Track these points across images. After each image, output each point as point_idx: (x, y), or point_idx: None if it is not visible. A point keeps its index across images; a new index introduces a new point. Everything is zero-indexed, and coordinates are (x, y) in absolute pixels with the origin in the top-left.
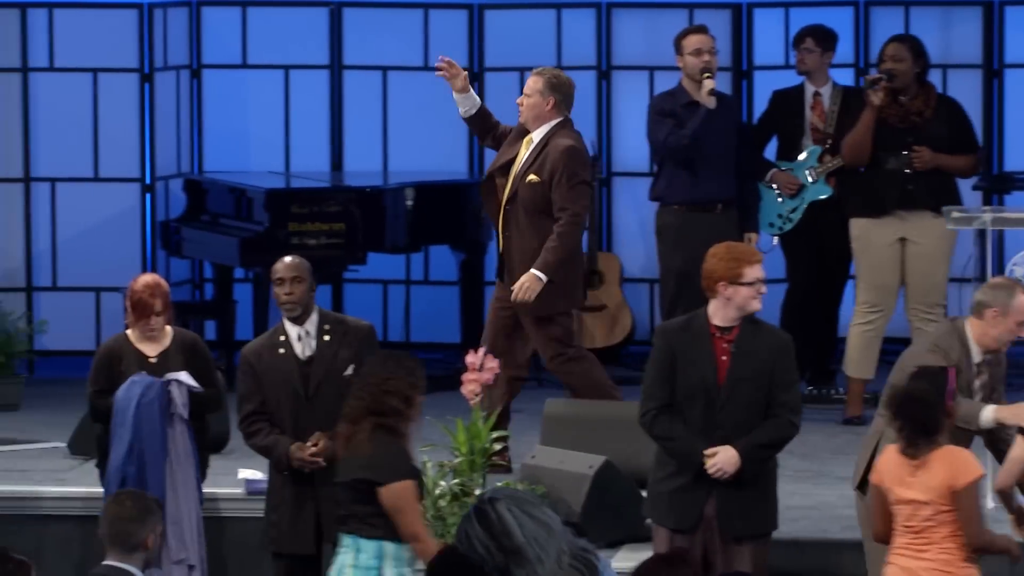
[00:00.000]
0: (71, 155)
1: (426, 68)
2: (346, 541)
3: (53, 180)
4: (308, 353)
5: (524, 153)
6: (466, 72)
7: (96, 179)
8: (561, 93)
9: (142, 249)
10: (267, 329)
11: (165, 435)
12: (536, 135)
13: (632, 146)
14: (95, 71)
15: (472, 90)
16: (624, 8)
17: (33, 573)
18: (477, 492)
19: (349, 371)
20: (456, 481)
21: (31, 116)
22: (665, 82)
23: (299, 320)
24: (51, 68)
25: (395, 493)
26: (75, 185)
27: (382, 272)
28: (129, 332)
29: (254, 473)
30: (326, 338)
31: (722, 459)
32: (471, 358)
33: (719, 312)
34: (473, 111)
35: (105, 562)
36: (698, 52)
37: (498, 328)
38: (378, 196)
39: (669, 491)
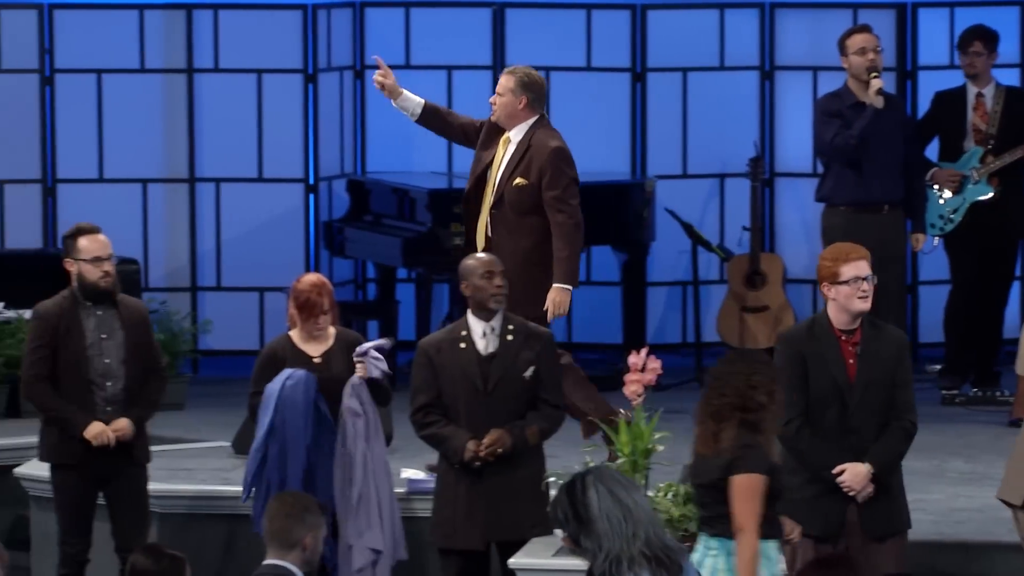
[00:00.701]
0: (235, 156)
1: (588, 69)
2: (711, 543)
3: (218, 180)
4: (490, 350)
5: (503, 153)
6: (394, 83)
7: (260, 179)
8: (533, 92)
9: (305, 249)
10: (429, 329)
11: (309, 418)
12: (514, 135)
13: (795, 146)
14: (259, 72)
15: (406, 91)
16: (788, 8)
17: (188, 568)
18: None
19: (528, 373)
20: None
21: (196, 117)
22: (829, 82)
23: (489, 316)
24: (216, 69)
25: (743, 483)
26: (239, 185)
27: None
28: (292, 333)
29: (416, 472)
30: (509, 337)
31: (850, 478)
32: (633, 359)
33: (835, 315)
34: (419, 111)
35: (266, 561)
36: (863, 51)
37: None
38: None
39: (808, 498)
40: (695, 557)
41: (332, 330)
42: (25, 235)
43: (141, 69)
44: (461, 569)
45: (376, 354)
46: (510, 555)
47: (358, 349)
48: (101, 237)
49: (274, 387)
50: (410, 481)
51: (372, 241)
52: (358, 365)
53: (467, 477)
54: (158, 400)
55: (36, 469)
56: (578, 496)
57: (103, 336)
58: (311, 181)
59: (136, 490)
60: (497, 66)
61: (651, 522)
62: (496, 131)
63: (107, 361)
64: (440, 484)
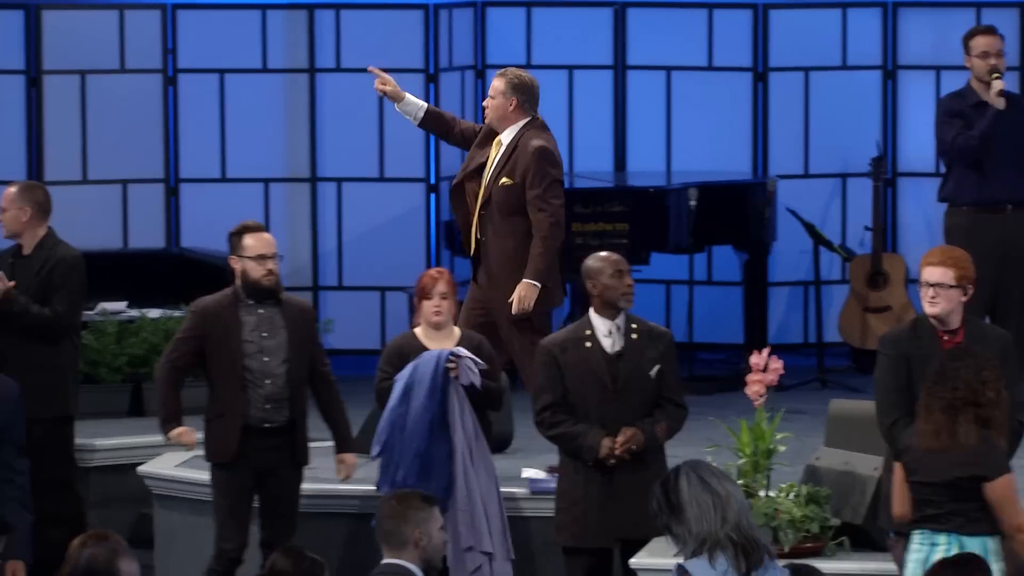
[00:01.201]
0: (357, 155)
1: (710, 68)
2: (939, 539)
3: (339, 180)
4: (616, 348)
5: (495, 155)
6: (396, 87)
7: (381, 179)
8: (524, 93)
9: (426, 248)
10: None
11: (437, 391)
12: (505, 137)
13: (918, 146)
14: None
15: (409, 95)
16: (910, 7)
17: (326, 572)
18: (761, 493)
19: (653, 372)
20: (740, 482)
21: (318, 116)
22: (952, 81)
23: (615, 315)
24: (338, 69)
25: (1002, 487)
26: (361, 185)
27: (665, 272)
28: (417, 330)
29: (537, 472)
30: (634, 336)
31: None
32: (755, 359)
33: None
34: (422, 114)
35: (384, 560)
36: (984, 55)
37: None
38: (661, 196)
39: None
40: (912, 555)
41: (456, 330)
42: (148, 235)
43: (263, 69)
44: (588, 568)
45: (470, 363)
46: (632, 554)
47: (453, 350)
48: (266, 235)
49: (405, 369)
50: (531, 481)
51: None
52: (449, 365)
53: (596, 476)
54: (341, 405)
55: (159, 467)
56: (670, 484)
57: (264, 335)
58: (432, 180)
59: (290, 491)
60: (618, 66)
61: (742, 511)
62: (493, 133)
63: (266, 359)
64: (566, 483)
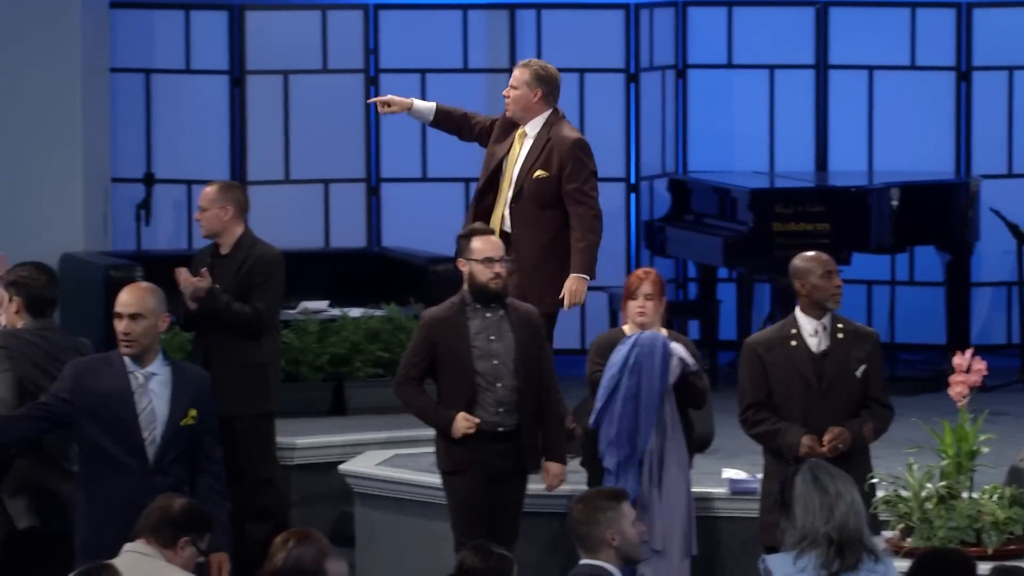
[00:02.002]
0: None
1: (912, 68)
2: None
3: None
4: (822, 348)
5: (520, 148)
6: (400, 98)
7: None
8: (548, 85)
9: (626, 248)
10: (750, 329)
11: (664, 381)
12: (530, 128)
13: None
14: (581, 71)
15: (416, 100)
16: None
17: (515, 567)
18: (964, 495)
19: (859, 372)
20: (943, 484)
21: None
22: None
23: (821, 315)
24: None
25: None
26: None
27: (867, 273)
28: (625, 327)
29: (738, 473)
30: (840, 336)
31: None
32: (958, 359)
33: None
34: (431, 115)
35: (582, 561)
36: None
37: None
38: (863, 196)
39: None
40: None
41: (663, 331)
42: (349, 234)
43: (464, 69)
44: None
45: (685, 354)
46: None
47: (667, 339)
48: (494, 239)
49: (619, 352)
50: (732, 481)
51: (693, 240)
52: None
53: None
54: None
55: (360, 466)
56: (786, 483)
57: (491, 338)
58: (632, 180)
59: (517, 499)
60: (820, 65)
61: (851, 512)
62: (510, 126)
63: (495, 363)
64: (771, 483)
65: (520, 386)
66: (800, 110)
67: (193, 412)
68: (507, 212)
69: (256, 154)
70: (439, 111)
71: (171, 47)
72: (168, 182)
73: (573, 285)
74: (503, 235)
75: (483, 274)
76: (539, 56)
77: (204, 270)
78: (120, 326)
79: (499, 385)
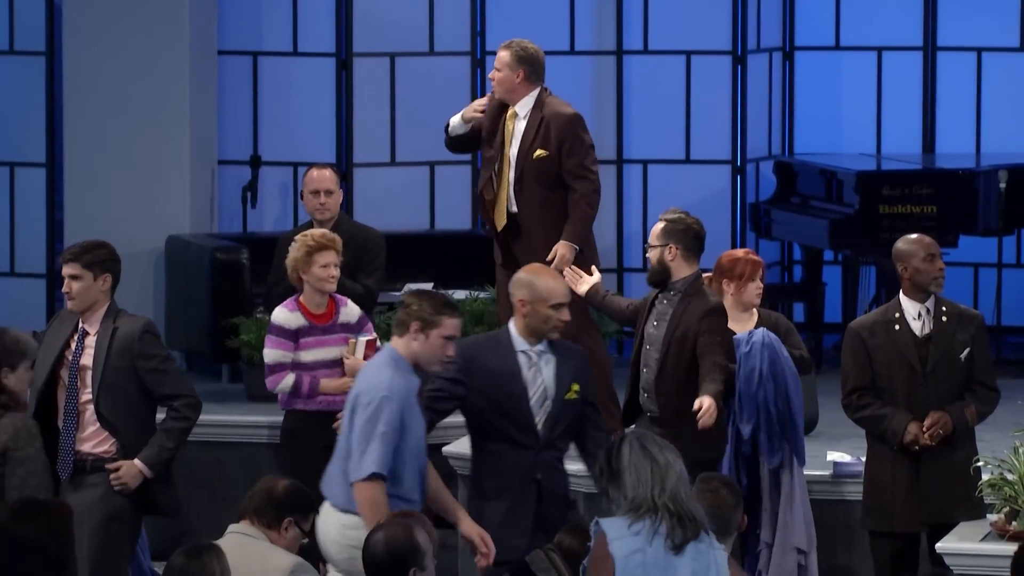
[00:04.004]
0: (663, 137)
1: (1021, 49)
2: None
3: (645, 162)
4: (926, 331)
5: (512, 128)
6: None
7: (687, 161)
8: (529, 64)
9: (732, 231)
10: (855, 312)
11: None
12: (520, 108)
13: None
14: (688, 53)
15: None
16: None
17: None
18: None
19: (964, 355)
20: None
21: (625, 98)
22: None
23: (925, 298)
24: (645, 51)
25: None
26: (667, 167)
27: (973, 255)
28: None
29: (842, 456)
30: (944, 319)
31: None
32: None
33: None
34: (465, 131)
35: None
36: None
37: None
38: (970, 179)
39: None
40: None
41: (755, 311)
42: (455, 216)
43: (571, 51)
44: (896, 551)
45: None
46: (939, 539)
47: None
48: (658, 226)
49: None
50: (836, 464)
51: (799, 223)
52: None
53: (905, 459)
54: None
55: (464, 448)
56: (613, 451)
57: (654, 323)
58: (738, 163)
59: None
60: (928, 47)
61: (680, 483)
62: (499, 110)
63: (647, 348)
64: (875, 467)
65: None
66: (908, 92)
67: (575, 386)
68: (511, 194)
69: (362, 136)
70: (472, 128)
71: (278, 29)
72: (274, 164)
73: (562, 250)
74: (510, 217)
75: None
76: (645, 39)
77: None
78: (563, 315)
79: (644, 370)
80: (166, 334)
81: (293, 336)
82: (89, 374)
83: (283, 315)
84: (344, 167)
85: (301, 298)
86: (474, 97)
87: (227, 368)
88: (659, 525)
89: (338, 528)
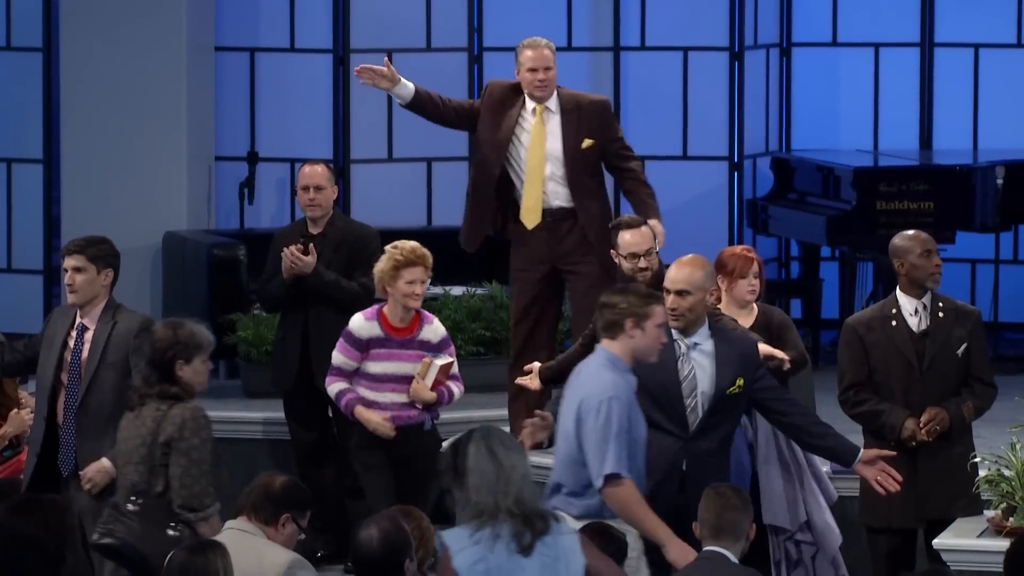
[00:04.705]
0: (660, 133)
1: (1019, 45)
2: None
3: (642, 158)
4: (923, 327)
5: (546, 123)
6: (382, 67)
7: (684, 157)
8: None
9: (729, 227)
10: (853, 308)
11: None
12: (551, 104)
13: None
14: (685, 50)
15: (400, 79)
16: None
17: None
18: None
19: (961, 350)
20: None
21: (622, 95)
22: None
23: (922, 294)
24: (642, 47)
25: None
26: (664, 163)
27: (970, 251)
28: (720, 306)
29: None
30: (940, 315)
31: None
32: None
33: None
34: (410, 97)
35: (709, 548)
36: None
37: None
38: (968, 175)
39: None
40: None
41: (755, 307)
42: (452, 212)
43: (568, 47)
44: (892, 548)
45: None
46: (936, 534)
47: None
48: (644, 230)
49: None
50: None
51: (796, 219)
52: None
53: (902, 456)
54: None
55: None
56: (459, 450)
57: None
58: (735, 159)
59: None
60: (925, 43)
61: (524, 484)
62: (507, 107)
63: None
64: None
65: None
66: (905, 88)
67: (740, 381)
68: (550, 189)
69: (359, 132)
70: (418, 93)
71: (276, 26)
72: (271, 160)
73: (660, 227)
74: (549, 212)
75: (628, 268)
76: (643, 35)
77: (312, 246)
78: (668, 301)
79: None
80: None
81: (363, 345)
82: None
83: (358, 323)
84: (341, 163)
85: (384, 308)
86: (472, 94)
87: (224, 364)
88: (501, 530)
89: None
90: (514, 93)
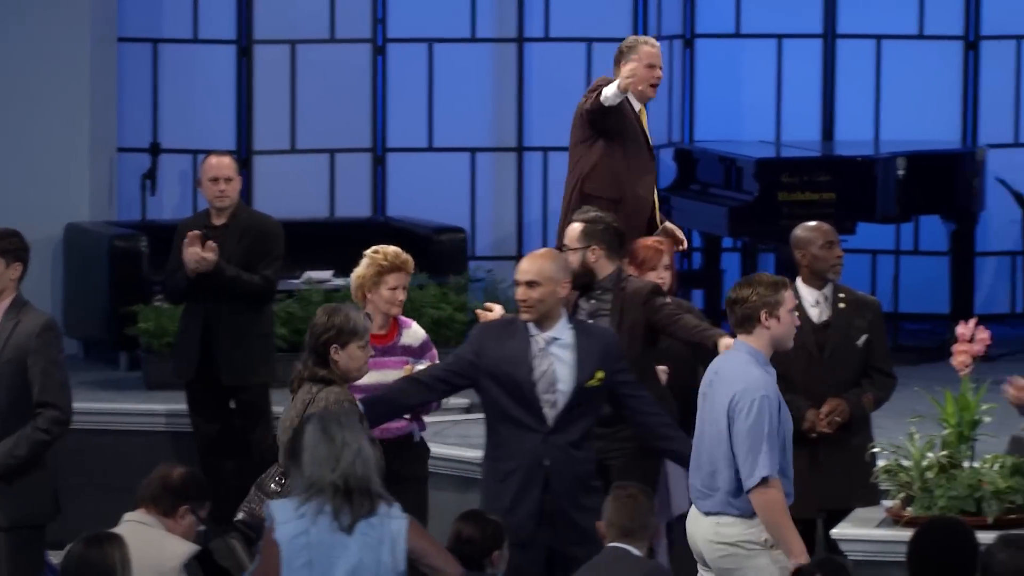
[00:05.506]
0: (563, 124)
1: (920, 37)
2: None
3: (545, 149)
4: (824, 318)
5: (645, 123)
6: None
7: None
8: None
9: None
10: None
11: None
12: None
13: None
14: (589, 41)
15: None
16: None
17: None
18: (966, 464)
19: (861, 341)
20: (944, 453)
21: (525, 86)
22: None
23: (823, 285)
24: (546, 38)
25: None
26: (566, 154)
27: (871, 242)
28: None
29: None
30: (841, 305)
31: None
32: (962, 329)
33: None
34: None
35: (613, 544)
36: None
37: None
38: (869, 166)
39: None
40: None
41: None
42: (355, 204)
43: (472, 38)
44: None
45: None
46: (835, 524)
47: None
48: (576, 228)
49: None
50: None
51: (698, 210)
52: None
53: (802, 446)
54: None
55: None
56: (298, 432)
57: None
58: None
59: None
60: (828, 35)
61: (358, 462)
62: (621, 110)
63: None
64: None
65: None
66: (807, 80)
67: (600, 374)
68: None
69: (262, 124)
70: None
71: (179, 17)
72: (174, 152)
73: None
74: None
75: None
76: (547, 26)
77: (212, 243)
78: (517, 292)
79: None
80: (64, 322)
81: None
82: None
83: None
84: (244, 154)
85: None
86: (375, 85)
87: (125, 356)
88: (325, 506)
89: (711, 527)
90: None
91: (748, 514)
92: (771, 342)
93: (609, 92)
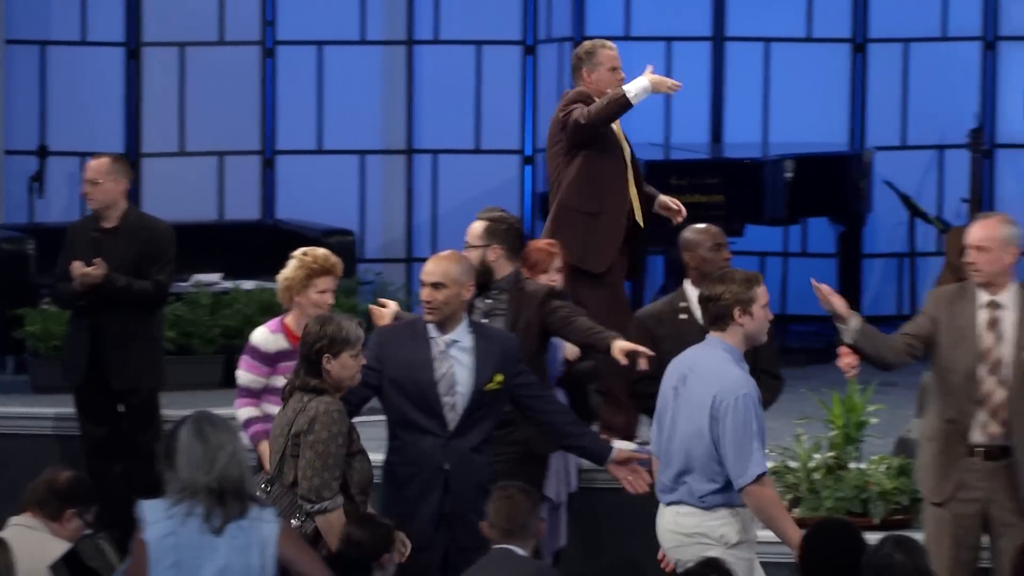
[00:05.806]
0: (453, 127)
1: (809, 40)
2: None
3: (435, 152)
4: None
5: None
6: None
7: (477, 151)
8: None
9: (520, 220)
10: (643, 301)
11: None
12: None
13: (1018, 118)
14: (478, 43)
15: None
16: None
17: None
18: (852, 465)
19: None
20: (831, 454)
21: (415, 88)
22: None
23: None
24: (436, 41)
25: None
26: (456, 157)
27: (759, 244)
28: None
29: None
30: None
31: None
32: None
33: None
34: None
35: (498, 546)
36: None
37: None
38: (757, 168)
39: None
40: None
41: None
42: (244, 206)
43: (361, 41)
44: None
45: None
46: None
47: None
48: (478, 226)
49: None
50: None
51: None
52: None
53: None
54: None
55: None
56: (172, 434)
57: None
58: (528, 152)
59: None
60: (717, 37)
61: (232, 463)
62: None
63: None
64: None
65: None
66: (696, 82)
67: (499, 377)
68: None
69: (151, 126)
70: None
71: (67, 18)
72: (62, 154)
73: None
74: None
75: None
76: (436, 28)
77: (99, 260)
78: (423, 294)
79: None
80: None
81: (270, 360)
82: None
83: (262, 336)
84: (133, 156)
85: (287, 320)
86: (264, 87)
87: (12, 359)
88: (196, 507)
89: (672, 516)
90: None
91: (708, 507)
92: (745, 338)
93: (632, 92)
